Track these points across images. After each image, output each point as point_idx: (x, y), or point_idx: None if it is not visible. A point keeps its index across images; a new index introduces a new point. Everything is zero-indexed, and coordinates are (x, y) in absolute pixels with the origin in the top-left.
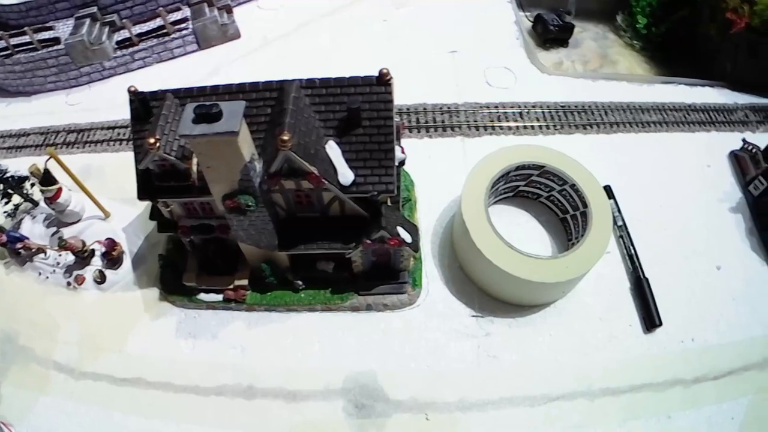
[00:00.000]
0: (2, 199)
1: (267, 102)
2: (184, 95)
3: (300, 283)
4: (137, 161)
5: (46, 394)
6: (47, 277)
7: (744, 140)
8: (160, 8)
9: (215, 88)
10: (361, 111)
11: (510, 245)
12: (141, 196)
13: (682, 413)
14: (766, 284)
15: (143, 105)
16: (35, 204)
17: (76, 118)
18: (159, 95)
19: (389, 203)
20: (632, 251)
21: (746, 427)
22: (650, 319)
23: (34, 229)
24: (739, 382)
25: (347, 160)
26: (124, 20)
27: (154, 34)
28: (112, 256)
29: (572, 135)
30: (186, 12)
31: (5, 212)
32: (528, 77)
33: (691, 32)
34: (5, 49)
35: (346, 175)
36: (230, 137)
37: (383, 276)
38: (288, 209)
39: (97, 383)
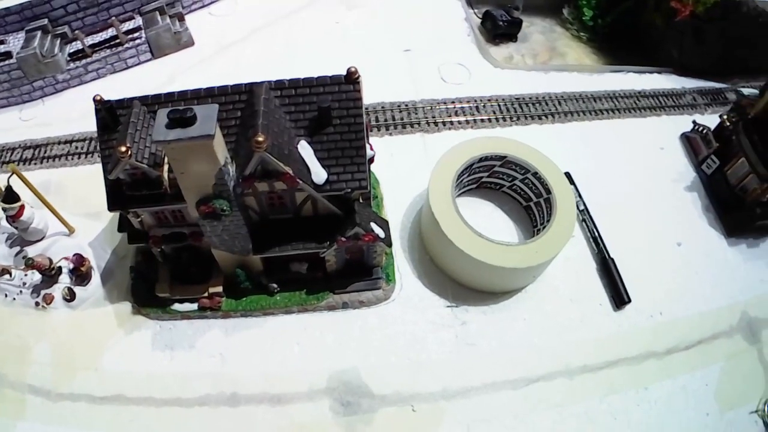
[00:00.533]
0: None
1: (236, 105)
2: (151, 102)
3: (275, 286)
4: (107, 171)
5: (23, 419)
6: (14, 299)
7: (694, 122)
8: (113, 18)
9: (183, 93)
10: (331, 110)
11: (480, 234)
12: (112, 207)
13: (658, 384)
14: (725, 257)
15: (110, 114)
16: None
17: (31, 134)
18: (125, 103)
19: (361, 200)
20: (596, 234)
21: (720, 392)
22: (619, 297)
23: None
24: (709, 350)
25: (320, 159)
26: (76, 31)
27: (107, 45)
28: (80, 272)
29: (528, 126)
30: (138, 21)
31: None
32: (481, 72)
33: (636, 22)
34: None
35: (319, 174)
36: (206, 141)
37: (357, 273)
38: (261, 212)
39: (75, 404)
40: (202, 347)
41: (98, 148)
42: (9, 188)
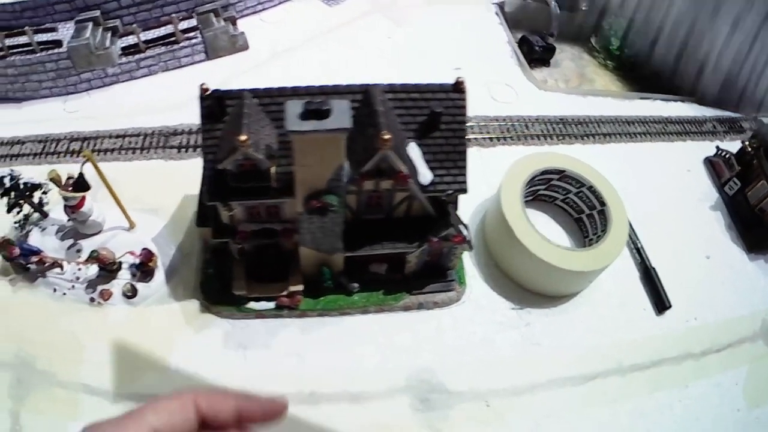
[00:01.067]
0: (14, 208)
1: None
2: (262, 95)
3: (356, 285)
4: (212, 161)
5: (75, 419)
6: (64, 294)
7: (718, 147)
8: (173, 15)
9: (295, 89)
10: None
11: (548, 240)
12: (211, 198)
13: (696, 382)
14: (746, 270)
15: (218, 103)
16: (45, 215)
17: (78, 126)
18: (232, 94)
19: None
20: (639, 245)
21: (748, 390)
22: (661, 303)
23: (44, 242)
24: (737, 353)
25: (425, 162)
26: (133, 26)
27: (162, 42)
28: (147, 268)
29: (572, 145)
30: (193, 21)
31: (15, 223)
32: (526, 93)
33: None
34: None
35: (426, 175)
36: (340, 135)
37: (432, 275)
38: (356, 211)
39: (140, 404)
40: (278, 346)
41: (163, 144)
42: (81, 176)
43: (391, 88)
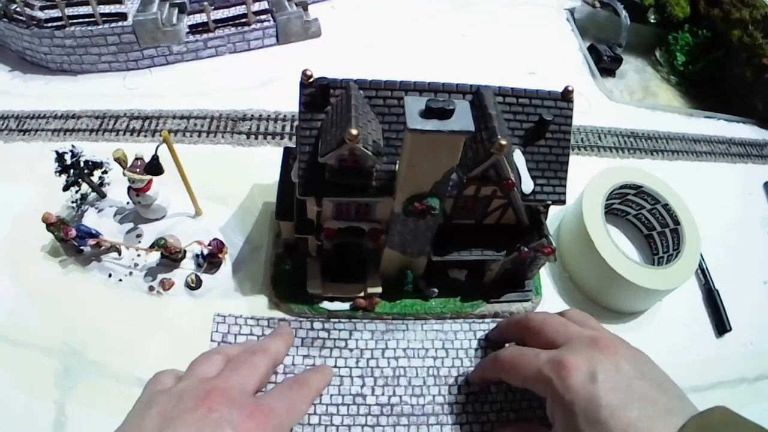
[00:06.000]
0: (71, 186)
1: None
2: (367, 87)
3: (435, 290)
4: (308, 153)
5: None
6: (120, 280)
7: None
8: None
9: (406, 83)
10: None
11: (628, 256)
12: (305, 192)
13: (748, 407)
14: None
15: (323, 92)
16: (103, 196)
17: (138, 104)
18: (336, 84)
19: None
20: (704, 266)
21: None
22: (722, 326)
23: (100, 224)
24: None
25: (528, 170)
26: (204, 3)
27: (232, 23)
28: (217, 259)
29: (643, 160)
30: (265, 4)
31: (72, 202)
32: (599, 103)
33: (724, 72)
34: (58, 19)
35: (528, 183)
36: (462, 137)
37: (509, 285)
38: (449, 215)
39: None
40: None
41: (231, 129)
42: (156, 158)
43: (501, 91)
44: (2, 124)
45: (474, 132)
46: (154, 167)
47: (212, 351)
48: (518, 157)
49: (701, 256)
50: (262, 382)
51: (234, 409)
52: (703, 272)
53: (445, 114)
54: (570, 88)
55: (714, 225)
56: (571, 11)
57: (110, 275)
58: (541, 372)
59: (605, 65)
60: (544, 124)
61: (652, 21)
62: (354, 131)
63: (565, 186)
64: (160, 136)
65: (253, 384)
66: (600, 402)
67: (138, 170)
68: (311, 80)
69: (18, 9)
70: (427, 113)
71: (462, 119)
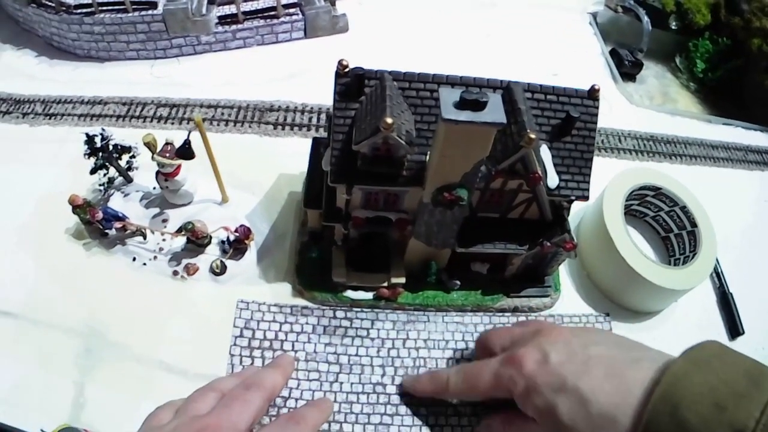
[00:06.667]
0: (99, 169)
1: None
2: (401, 79)
3: (457, 282)
4: (341, 141)
5: (149, 398)
6: (144, 264)
7: None
8: None
9: (438, 76)
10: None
11: (646, 256)
12: (337, 179)
13: None
14: None
15: (358, 82)
16: (130, 180)
17: (165, 92)
18: (371, 74)
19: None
20: (719, 269)
21: None
22: (735, 329)
23: (126, 208)
24: None
25: (554, 165)
26: None
27: (261, 15)
28: (243, 245)
29: (662, 163)
30: None
31: (100, 185)
32: (619, 106)
33: (743, 79)
34: (88, 5)
35: (554, 178)
36: (494, 128)
37: (529, 280)
38: (475, 208)
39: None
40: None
41: (258, 119)
42: (188, 143)
43: (530, 88)
44: (28, 108)
45: (506, 124)
46: (185, 151)
47: (207, 387)
48: (545, 153)
49: (716, 259)
50: (255, 417)
51: None
52: (718, 275)
53: (479, 106)
54: (597, 87)
55: (729, 230)
56: (594, 15)
57: (134, 259)
58: (497, 374)
59: (626, 70)
60: (570, 120)
61: (673, 27)
62: (389, 120)
63: (588, 183)
64: (193, 121)
65: (245, 421)
66: (562, 375)
67: (168, 155)
68: (347, 70)
69: None
70: (461, 104)
71: (495, 111)
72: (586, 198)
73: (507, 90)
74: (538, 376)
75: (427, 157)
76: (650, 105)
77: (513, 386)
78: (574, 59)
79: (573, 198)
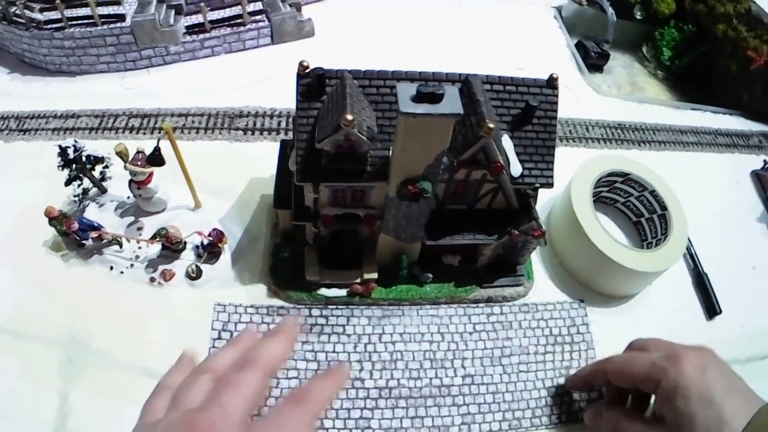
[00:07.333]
0: (73, 181)
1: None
2: (361, 77)
3: (430, 276)
4: (305, 141)
5: (134, 404)
6: (122, 272)
7: (765, 161)
8: None
9: (398, 73)
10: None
11: (617, 240)
12: (303, 178)
13: None
14: None
15: (319, 82)
16: (104, 191)
17: (136, 103)
18: (332, 74)
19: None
20: (693, 251)
21: None
22: (711, 309)
23: (102, 218)
24: None
25: (516, 154)
26: (200, 4)
27: (227, 23)
28: (217, 249)
29: (630, 150)
30: (259, 4)
31: (75, 197)
32: (586, 96)
33: (710, 65)
34: (57, 21)
35: (517, 167)
36: (451, 120)
37: (501, 269)
38: (441, 200)
39: None
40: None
41: (228, 125)
42: (158, 150)
43: (489, 79)
44: (2, 125)
45: (462, 114)
46: (156, 158)
47: (199, 369)
48: (506, 142)
49: (689, 240)
50: (253, 401)
51: None
52: (692, 257)
53: (435, 98)
54: (555, 76)
55: (703, 213)
56: (559, 9)
57: (111, 268)
58: (654, 365)
59: (593, 61)
60: (530, 110)
61: (638, 17)
62: (349, 116)
63: (552, 170)
64: (162, 128)
65: (242, 410)
66: (712, 389)
67: (140, 163)
68: (308, 71)
69: (17, 11)
70: (419, 98)
71: (451, 103)
72: (550, 185)
73: (465, 83)
74: (693, 381)
75: (390, 152)
76: (618, 94)
77: (665, 379)
78: (540, 53)
79: (537, 185)
